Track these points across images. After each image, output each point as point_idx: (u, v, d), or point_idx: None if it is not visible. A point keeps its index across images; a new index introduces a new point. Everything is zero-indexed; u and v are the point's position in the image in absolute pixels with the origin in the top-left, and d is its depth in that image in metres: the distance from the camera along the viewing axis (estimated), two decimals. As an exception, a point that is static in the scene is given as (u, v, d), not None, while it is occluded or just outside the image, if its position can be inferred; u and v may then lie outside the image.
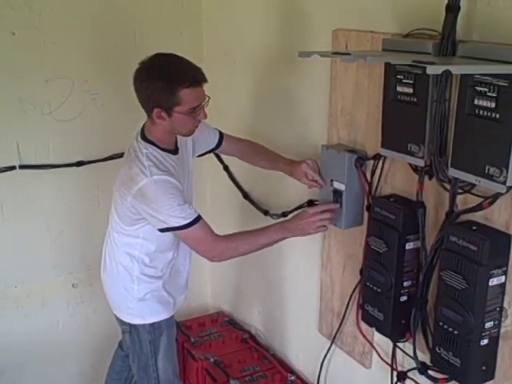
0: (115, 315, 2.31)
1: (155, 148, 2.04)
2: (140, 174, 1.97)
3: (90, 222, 2.74)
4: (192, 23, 2.87)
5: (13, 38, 2.48)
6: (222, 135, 2.35)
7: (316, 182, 2.11)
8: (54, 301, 2.83)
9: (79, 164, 2.70)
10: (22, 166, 2.60)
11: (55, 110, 2.62)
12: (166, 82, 1.91)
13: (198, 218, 2.03)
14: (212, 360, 2.67)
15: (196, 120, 2.01)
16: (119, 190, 2.08)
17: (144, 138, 2.06)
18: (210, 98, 2.00)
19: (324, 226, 2.04)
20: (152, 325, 2.24)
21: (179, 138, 2.14)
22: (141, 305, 2.22)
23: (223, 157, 2.95)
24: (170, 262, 2.24)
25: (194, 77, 1.93)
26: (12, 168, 2.59)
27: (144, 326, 2.24)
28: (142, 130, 2.10)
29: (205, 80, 1.96)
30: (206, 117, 2.02)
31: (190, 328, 2.96)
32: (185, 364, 2.82)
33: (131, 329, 2.26)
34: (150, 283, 2.22)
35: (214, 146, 2.36)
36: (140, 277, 2.20)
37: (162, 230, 2.04)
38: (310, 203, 2.30)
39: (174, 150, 2.13)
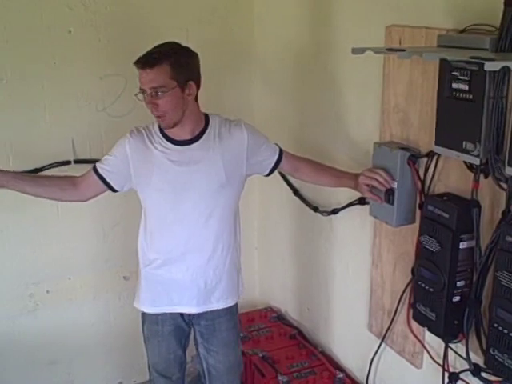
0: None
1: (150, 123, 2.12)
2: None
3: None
4: (244, 21, 2.88)
5: (69, 35, 2.54)
6: (281, 153, 2.21)
7: (376, 196, 2.06)
8: (105, 293, 2.90)
9: (132, 159, 2.74)
10: (77, 161, 2.66)
11: (108, 106, 2.67)
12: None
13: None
14: (260, 355, 2.69)
15: (147, 104, 1.99)
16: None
17: None
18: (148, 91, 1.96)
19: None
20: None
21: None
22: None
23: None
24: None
25: (140, 59, 1.95)
26: (67, 163, 2.66)
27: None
28: None
29: (145, 65, 1.94)
30: (147, 106, 1.99)
31: (239, 323, 2.97)
32: (233, 358, 2.85)
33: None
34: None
35: (272, 165, 2.22)
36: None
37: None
38: (361, 201, 2.29)
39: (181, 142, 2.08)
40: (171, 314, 2.23)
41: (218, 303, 2.23)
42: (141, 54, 1.97)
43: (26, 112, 2.55)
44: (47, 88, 2.55)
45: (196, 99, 2.06)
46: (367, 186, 2.07)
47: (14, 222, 2.64)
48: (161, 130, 2.08)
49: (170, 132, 2.06)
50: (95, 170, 2.10)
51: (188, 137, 2.06)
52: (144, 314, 2.29)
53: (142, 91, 1.98)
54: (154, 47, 1.98)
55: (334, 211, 2.48)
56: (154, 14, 2.67)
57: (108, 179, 2.09)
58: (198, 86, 2.04)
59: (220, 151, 2.07)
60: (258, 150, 2.14)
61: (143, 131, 2.10)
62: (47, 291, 2.79)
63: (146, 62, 1.94)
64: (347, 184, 2.19)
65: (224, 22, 2.83)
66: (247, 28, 2.90)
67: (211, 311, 2.23)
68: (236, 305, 2.33)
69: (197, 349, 2.35)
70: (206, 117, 2.11)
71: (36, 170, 2.59)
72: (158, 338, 2.29)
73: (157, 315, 2.24)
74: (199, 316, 2.24)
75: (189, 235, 2.11)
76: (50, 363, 2.87)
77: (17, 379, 2.82)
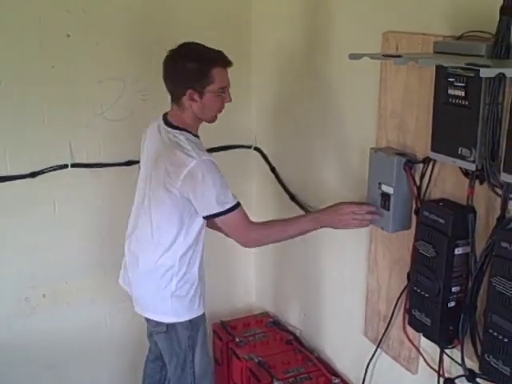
0: (146, 318, 2.33)
1: (189, 133, 2.12)
2: (188, 158, 2.02)
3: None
4: (240, 28, 2.91)
5: (68, 39, 2.55)
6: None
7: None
8: (102, 297, 2.89)
9: (129, 163, 2.75)
10: (74, 165, 2.67)
11: (107, 110, 2.68)
12: (200, 62, 2.05)
13: (239, 203, 2.10)
14: (256, 360, 2.68)
15: (222, 103, 2.13)
16: (158, 189, 2.11)
17: (172, 126, 2.13)
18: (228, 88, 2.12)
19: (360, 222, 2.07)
20: (190, 321, 2.27)
21: None
22: (178, 302, 2.24)
23: (270, 158, 2.97)
24: (202, 254, 2.28)
25: (224, 58, 2.08)
26: (64, 166, 2.66)
27: (182, 323, 2.26)
28: (166, 120, 2.16)
29: (231, 64, 2.09)
30: (231, 99, 2.13)
31: (234, 328, 2.98)
32: (229, 363, 2.85)
33: (168, 328, 2.27)
34: (188, 279, 2.24)
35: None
36: (179, 274, 2.21)
37: (206, 217, 2.11)
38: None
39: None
40: None
41: None
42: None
43: (23, 115, 2.55)
44: (45, 91, 2.56)
45: None
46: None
47: (10, 225, 2.64)
48: (190, 134, 2.14)
49: (194, 130, 2.17)
50: (239, 202, 2.12)
51: None
52: (197, 321, 2.30)
53: (224, 88, 2.11)
54: (212, 48, 2.09)
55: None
56: (154, 18, 2.69)
57: None
58: None
59: None
60: None
61: (198, 145, 2.12)
62: (43, 295, 2.79)
63: (228, 61, 2.09)
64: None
65: (221, 28, 2.85)
66: (245, 30, 2.92)
67: None
68: None
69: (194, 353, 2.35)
70: None
71: (33, 174, 2.60)
72: (207, 334, 2.40)
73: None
74: None
75: None
76: (47, 367, 2.87)
77: (14, 383, 2.82)
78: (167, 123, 2.15)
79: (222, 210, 2.06)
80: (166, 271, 2.20)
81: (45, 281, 2.76)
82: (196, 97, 2.07)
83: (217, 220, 2.11)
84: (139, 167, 2.31)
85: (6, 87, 2.48)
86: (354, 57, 1.74)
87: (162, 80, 2.12)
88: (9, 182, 2.58)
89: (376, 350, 2.26)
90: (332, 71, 2.40)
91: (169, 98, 2.15)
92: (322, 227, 2.14)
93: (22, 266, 2.70)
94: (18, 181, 2.60)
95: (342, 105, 2.38)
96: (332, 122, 2.45)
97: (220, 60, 2.07)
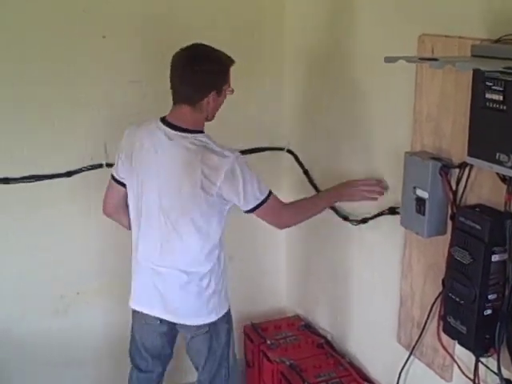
0: (183, 325, 2.31)
1: (206, 134, 2.16)
2: (223, 159, 2.07)
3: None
4: (272, 31, 2.91)
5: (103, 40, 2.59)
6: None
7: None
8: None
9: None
10: (109, 164, 2.70)
11: (137, 111, 2.68)
12: (220, 63, 2.11)
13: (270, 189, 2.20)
14: (288, 363, 2.68)
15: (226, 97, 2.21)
16: (194, 195, 2.10)
17: (186, 130, 2.12)
18: None
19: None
20: (227, 312, 2.34)
21: None
22: (217, 298, 2.27)
23: (303, 160, 2.96)
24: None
25: (231, 57, 2.14)
26: (99, 166, 2.70)
27: (221, 318, 2.31)
28: (170, 124, 2.13)
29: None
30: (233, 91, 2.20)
31: (265, 330, 2.98)
32: (260, 366, 2.85)
33: (210, 328, 2.29)
34: (222, 273, 2.29)
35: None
36: (218, 272, 2.26)
37: (250, 210, 2.18)
38: (392, 210, 2.27)
39: None
40: None
41: None
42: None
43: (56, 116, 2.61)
44: (76, 91, 2.60)
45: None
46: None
47: (46, 223, 2.68)
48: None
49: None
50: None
51: None
52: (229, 313, 2.39)
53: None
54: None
55: (364, 220, 2.46)
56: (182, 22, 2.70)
57: None
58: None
59: None
60: None
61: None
62: (77, 293, 2.83)
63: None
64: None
65: (254, 27, 2.86)
66: (277, 34, 2.91)
67: None
68: None
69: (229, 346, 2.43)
70: None
71: (69, 173, 2.66)
72: None
73: None
74: None
75: None
76: (79, 364, 2.90)
77: (47, 378, 2.87)
78: (176, 128, 2.12)
79: (264, 197, 2.17)
80: (206, 273, 2.22)
81: (79, 279, 2.80)
82: (216, 97, 2.12)
83: (257, 211, 2.18)
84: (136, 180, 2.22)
85: (47, 86, 2.54)
86: (390, 60, 1.72)
87: (174, 85, 2.12)
88: (47, 181, 2.64)
89: (409, 357, 2.23)
90: (366, 75, 2.38)
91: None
92: (342, 200, 2.44)
93: (58, 263, 2.74)
94: (56, 179, 2.66)
95: (375, 108, 2.36)
96: (365, 126, 2.43)
97: (231, 60, 2.14)
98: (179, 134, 2.11)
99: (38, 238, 2.69)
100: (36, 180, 2.63)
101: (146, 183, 2.18)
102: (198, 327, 2.29)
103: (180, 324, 2.32)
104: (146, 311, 2.32)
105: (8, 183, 2.58)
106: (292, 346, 2.84)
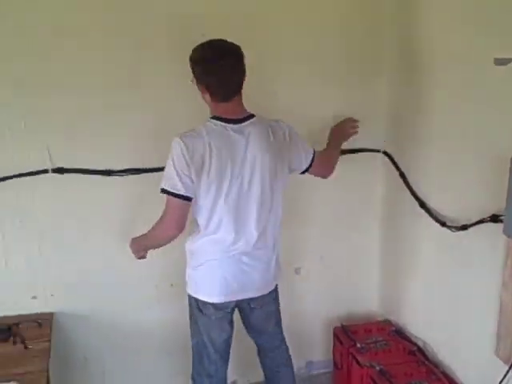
0: (260, 296, 2.46)
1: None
2: (281, 125, 2.36)
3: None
4: (372, 32, 2.88)
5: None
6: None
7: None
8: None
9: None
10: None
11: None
12: (241, 50, 2.19)
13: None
14: (378, 368, 2.64)
15: None
16: (283, 171, 2.35)
17: (247, 117, 2.26)
18: None
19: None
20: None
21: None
22: (277, 261, 2.50)
23: (399, 162, 2.90)
24: None
25: None
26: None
27: None
28: (232, 120, 2.23)
29: None
30: None
31: (355, 333, 2.95)
32: (349, 368, 2.83)
33: (276, 290, 2.55)
34: None
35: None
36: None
37: (309, 166, 2.52)
38: (494, 218, 2.18)
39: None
40: None
41: None
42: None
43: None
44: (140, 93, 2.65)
45: (213, 99, 2.22)
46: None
47: (145, 216, 2.76)
48: None
49: None
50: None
51: None
52: None
53: None
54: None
55: (464, 227, 2.38)
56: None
57: None
58: (210, 90, 2.19)
59: None
60: None
61: None
62: (171, 285, 2.91)
63: None
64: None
65: (360, 26, 2.84)
66: (377, 34, 2.88)
67: None
68: None
69: None
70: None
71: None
72: None
73: None
74: None
75: None
76: (168, 353, 3.00)
77: (137, 364, 2.98)
78: (240, 120, 2.24)
79: (313, 149, 2.49)
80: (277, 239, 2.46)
81: (174, 270, 2.84)
82: None
83: (313, 164, 2.49)
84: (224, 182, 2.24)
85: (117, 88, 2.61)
86: (501, 62, 1.67)
87: (224, 78, 2.17)
88: (144, 174, 2.72)
89: (508, 372, 2.14)
90: (469, 77, 2.30)
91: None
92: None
93: (156, 255, 2.81)
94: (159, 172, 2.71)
95: (479, 111, 2.27)
96: (467, 128, 2.35)
97: None
98: (247, 123, 2.25)
99: (137, 230, 2.78)
100: (136, 173, 2.72)
101: (240, 181, 2.24)
102: (270, 292, 2.49)
103: (257, 297, 2.44)
104: (230, 299, 2.38)
105: (109, 175, 2.69)
106: (382, 351, 2.80)
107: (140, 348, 2.96)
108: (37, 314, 2.69)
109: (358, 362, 2.73)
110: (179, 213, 2.21)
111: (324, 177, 2.66)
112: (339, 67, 2.85)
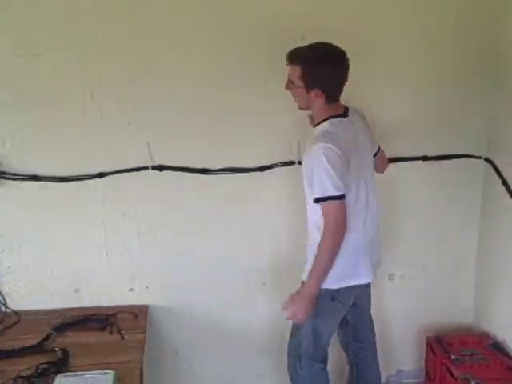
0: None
1: None
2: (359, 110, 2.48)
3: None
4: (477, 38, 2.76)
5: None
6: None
7: None
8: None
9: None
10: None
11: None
12: None
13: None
14: (473, 382, 2.55)
15: None
16: (371, 149, 2.48)
17: (345, 112, 2.34)
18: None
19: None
20: None
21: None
22: None
23: (502, 169, 2.79)
24: None
25: (288, 53, 2.25)
26: (291, 163, 2.78)
27: None
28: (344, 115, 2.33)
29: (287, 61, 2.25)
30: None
31: (450, 345, 2.86)
32: (442, 380, 2.74)
33: None
34: None
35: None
36: None
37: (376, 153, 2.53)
38: None
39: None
40: None
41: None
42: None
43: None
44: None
45: (328, 101, 2.26)
46: None
47: (240, 215, 2.82)
48: None
49: None
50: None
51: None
52: None
53: None
54: (306, 46, 2.22)
55: None
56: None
57: None
58: (328, 93, 2.24)
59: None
60: None
61: None
62: (263, 284, 2.92)
63: (288, 57, 2.24)
64: None
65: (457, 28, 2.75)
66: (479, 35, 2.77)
67: None
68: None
69: None
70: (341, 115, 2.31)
71: (262, 168, 2.76)
72: None
73: None
74: None
75: None
76: (261, 353, 3.01)
77: (228, 359, 3.01)
78: (345, 113, 2.33)
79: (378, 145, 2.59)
80: None
81: (265, 271, 2.89)
82: None
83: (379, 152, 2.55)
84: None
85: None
86: None
87: (345, 78, 2.24)
88: (243, 174, 2.75)
89: None
90: None
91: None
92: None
93: (246, 254, 2.86)
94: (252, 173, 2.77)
95: None
96: None
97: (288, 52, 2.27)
98: (350, 114, 2.34)
99: (231, 229, 2.83)
100: (231, 172, 2.76)
101: (364, 172, 2.36)
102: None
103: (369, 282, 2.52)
104: (365, 281, 2.46)
105: (206, 173, 2.74)
106: (478, 365, 2.69)
107: (230, 345, 2.99)
108: (133, 306, 2.77)
109: (451, 375, 2.64)
110: (346, 211, 2.23)
111: (380, 171, 2.61)
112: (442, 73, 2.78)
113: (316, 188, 2.20)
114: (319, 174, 2.16)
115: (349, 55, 2.20)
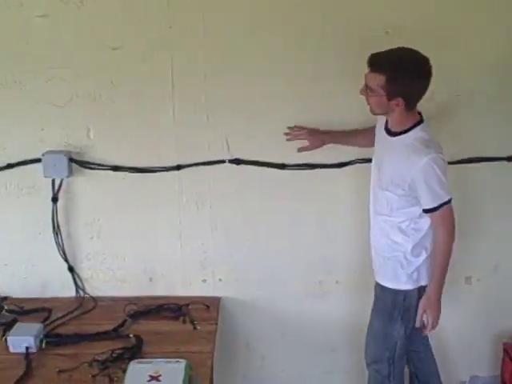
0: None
1: None
2: None
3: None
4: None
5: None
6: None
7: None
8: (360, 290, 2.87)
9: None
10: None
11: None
12: None
13: None
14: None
15: None
16: None
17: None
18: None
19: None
20: None
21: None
22: None
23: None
24: None
25: (370, 58, 2.18)
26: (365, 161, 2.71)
27: None
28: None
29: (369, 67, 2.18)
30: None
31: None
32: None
33: None
34: None
35: None
36: None
37: None
38: None
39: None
40: None
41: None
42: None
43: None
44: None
45: (408, 109, 2.22)
46: None
47: (315, 211, 2.81)
48: None
49: None
50: None
51: (392, 130, 2.33)
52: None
53: None
54: (389, 50, 2.15)
55: None
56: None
57: None
58: (409, 102, 2.20)
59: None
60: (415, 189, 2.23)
61: None
62: (336, 281, 2.90)
63: (370, 64, 2.17)
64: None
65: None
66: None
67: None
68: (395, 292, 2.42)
69: None
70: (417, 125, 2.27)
71: (341, 165, 2.72)
72: None
73: None
74: None
75: None
76: (330, 350, 3.00)
77: (296, 357, 3.00)
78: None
79: None
80: None
81: (339, 269, 2.87)
82: None
83: None
84: None
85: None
86: None
87: (425, 88, 2.20)
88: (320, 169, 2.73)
89: None
90: None
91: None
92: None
93: (319, 252, 2.85)
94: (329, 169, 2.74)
95: None
96: None
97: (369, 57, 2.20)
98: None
99: (306, 225, 2.82)
100: (308, 168, 2.74)
101: None
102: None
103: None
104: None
105: (283, 168, 2.73)
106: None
107: (300, 340, 2.98)
108: (205, 297, 2.80)
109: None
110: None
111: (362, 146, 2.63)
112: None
113: (427, 199, 2.23)
114: (432, 185, 2.20)
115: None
